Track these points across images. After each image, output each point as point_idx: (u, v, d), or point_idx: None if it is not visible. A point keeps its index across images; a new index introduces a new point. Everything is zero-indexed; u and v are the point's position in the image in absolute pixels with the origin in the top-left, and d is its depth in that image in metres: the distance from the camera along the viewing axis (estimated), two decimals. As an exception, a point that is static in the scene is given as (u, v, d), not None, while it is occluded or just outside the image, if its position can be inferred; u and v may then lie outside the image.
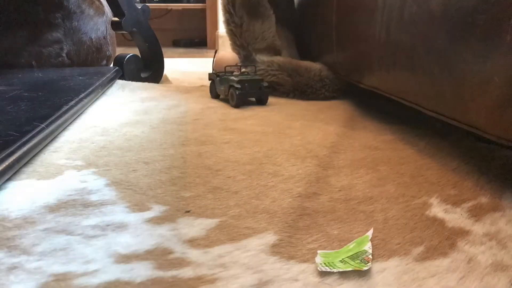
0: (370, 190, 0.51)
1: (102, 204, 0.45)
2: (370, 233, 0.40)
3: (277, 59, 1.04)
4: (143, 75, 1.21)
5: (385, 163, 0.60)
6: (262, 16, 1.08)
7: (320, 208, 0.46)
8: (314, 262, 0.36)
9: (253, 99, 0.97)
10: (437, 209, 0.47)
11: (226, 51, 1.07)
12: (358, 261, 0.36)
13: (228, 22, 1.03)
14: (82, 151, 0.61)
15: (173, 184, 0.51)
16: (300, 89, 1.04)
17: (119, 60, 1.15)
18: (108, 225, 0.41)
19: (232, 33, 1.04)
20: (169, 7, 2.59)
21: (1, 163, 0.48)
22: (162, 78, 1.28)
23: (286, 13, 1.26)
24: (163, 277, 0.34)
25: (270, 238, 0.40)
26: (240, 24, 1.03)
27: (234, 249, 0.38)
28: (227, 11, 1.03)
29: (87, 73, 1.02)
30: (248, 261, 0.36)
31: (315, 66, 1.06)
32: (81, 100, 0.77)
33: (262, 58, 1.03)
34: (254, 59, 1.02)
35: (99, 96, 0.94)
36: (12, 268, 0.34)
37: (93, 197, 0.47)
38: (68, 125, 0.72)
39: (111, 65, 1.21)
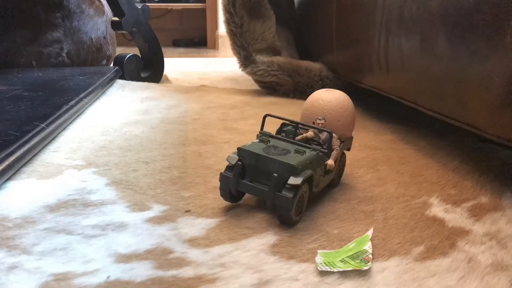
0: (370, 189, 0.51)
1: (102, 203, 0.45)
2: (370, 232, 0.40)
3: (277, 59, 1.04)
4: (143, 75, 1.21)
5: (385, 163, 0.60)
6: (263, 16, 1.07)
7: (320, 208, 0.46)
8: (314, 262, 0.36)
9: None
10: (437, 209, 0.47)
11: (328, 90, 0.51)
12: (358, 260, 0.36)
13: (228, 22, 1.03)
14: (82, 150, 0.61)
15: (173, 183, 0.51)
16: (300, 90, 1.04)
17: (119, 60, 1.15)
18: (108, 225, 0.41)
19: (232, 33, 1.03)
20: (169, 7, 2.58)
21: (1, 163, 0.48)
22: (162, 78, 1.28)
23: (286, 13, 1.26)
24: (163, 276, 0.34)
25: (270, 238, 0.40)
26: (241, 24, 1.03)
27: (234, 249, 0.38)
28: (227, 11, 1.03)
29: (87, 73, 1.02)
30: (248, 261, 0.36)
31: (315, 66, 1.06)
32: (81, 100, 0.77)
33: (262, 58, 1.03)
34: (254, 60, 1.02)
35: (99, 96, 0.94)
36: (12, 267, 0.34)
37: (93, 197, 0.47)
38: (68, 125, 0.72)
39: (111, 65, 1.21)
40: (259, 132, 0.48)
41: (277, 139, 0.47)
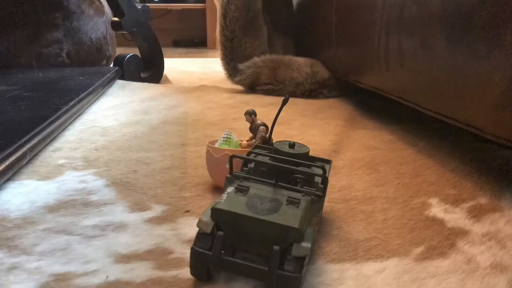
0: (370, 190, 0.51)
1: (102, 204, 0.45)
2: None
3: (257, 58, 1.07)
4: (143, 75, 1.21)
5: (384, 163, 0.60)
6: (255, 33, 1.10)
7: (319, 208, 0.46)
8: (314, 264, 0.36)
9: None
10: (437, 209, 0.47)
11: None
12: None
13: (220, 33, 1.06)
14: (82, 151, 0.61)
15: (173, 184, 0.51)
16: (301, 90, 1.04)
17: (119, 60, 1.15)
18: (108, 225, 0.41)
19: (223, 45, 1.07)
20: (169, 7, 2.58)
21: (1, 163, 0.48)
22: (162, 78, 1.28)
23: (283, 19, 1.27)
24: (163, 277, 0.34)
25: (269, 238, 0.40)
26: (231, 39, 1.05)
27: (233, 249, 0.38)
28: (219, 22, 1.05)
29: (87, 73, 1.02)
30: (247, 261, 0.36)
31: (303, 60, 1.08)
32: (81, 100, 0.77)
33: (244, 64, 1.06)
34: (239, 69, 1.06)
35: (99, 96, 0.94)
36: (12, 268, 0.34)
37: (93, 197, 0.47)
38: (68, 125, 0.72)
39: (111, 65, 1.21)
40: (229, 175, 0.37)
41: (255, 181, 0.36)
